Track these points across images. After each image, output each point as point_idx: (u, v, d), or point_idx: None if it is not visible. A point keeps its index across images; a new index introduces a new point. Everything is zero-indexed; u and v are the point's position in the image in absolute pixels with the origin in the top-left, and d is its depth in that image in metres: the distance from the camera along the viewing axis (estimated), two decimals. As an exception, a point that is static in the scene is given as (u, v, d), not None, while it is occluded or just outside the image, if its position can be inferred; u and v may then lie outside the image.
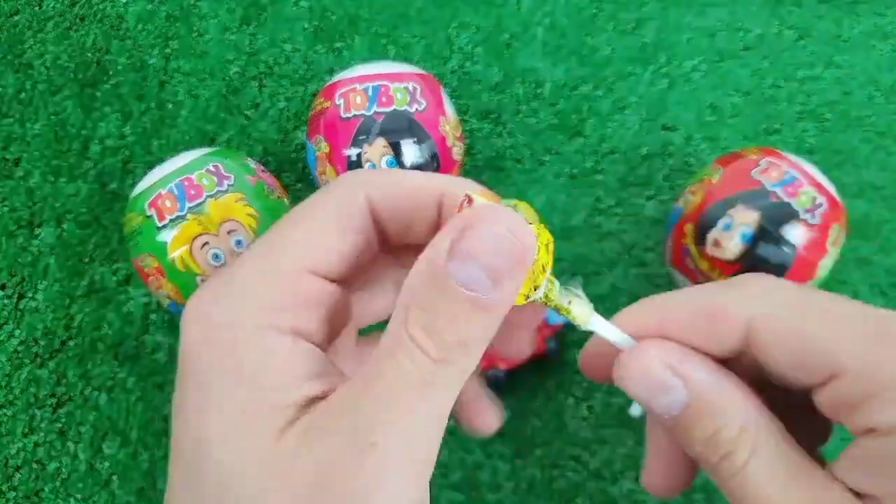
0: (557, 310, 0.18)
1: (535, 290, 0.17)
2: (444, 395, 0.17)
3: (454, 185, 0.19)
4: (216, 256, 0.33)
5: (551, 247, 0.17)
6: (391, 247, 0.20)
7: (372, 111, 0.35)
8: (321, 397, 0.17)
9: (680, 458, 0.19)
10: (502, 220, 0.16)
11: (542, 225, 0.17)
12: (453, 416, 0.24)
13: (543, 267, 0.17)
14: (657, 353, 0.18)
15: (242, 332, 0.17)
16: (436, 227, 0.19)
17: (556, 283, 0.18)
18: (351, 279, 0.20)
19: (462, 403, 0.23)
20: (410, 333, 0.16)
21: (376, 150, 0.35)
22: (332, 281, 0.19)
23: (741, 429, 0.17)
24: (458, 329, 0.16)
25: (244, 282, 0.18)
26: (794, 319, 0.17)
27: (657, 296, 0.19)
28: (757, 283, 0.18)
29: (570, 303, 0.18)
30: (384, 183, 0.19)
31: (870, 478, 0.16)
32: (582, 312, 0.18)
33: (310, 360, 0.18)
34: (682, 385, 0.17)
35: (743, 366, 0.18)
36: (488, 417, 0.23)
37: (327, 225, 0.18)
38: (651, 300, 0.19)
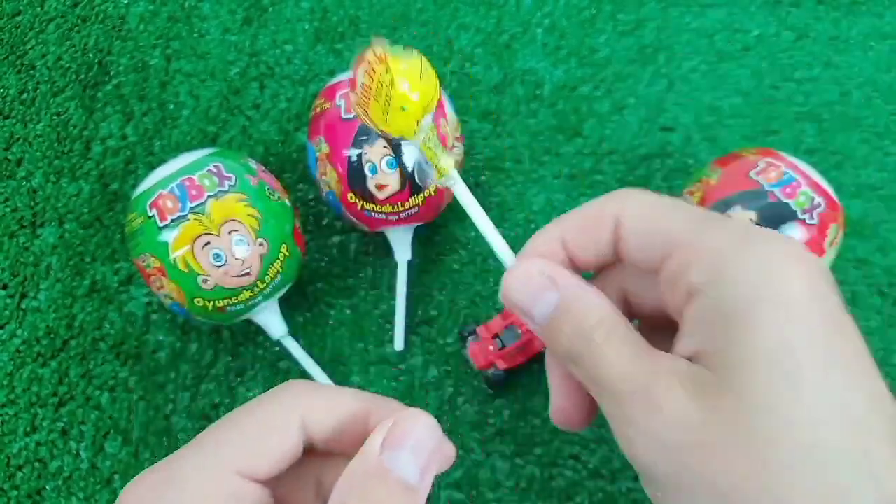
0: (427, 157, 0.22)
1: (418, 125, 0.21)
2: None
3: (379, 406, 0.22)
4: (217, 256, 0.33)
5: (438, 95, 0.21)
6: (316, 452, 0.22)
7: (372, 112, 0.35)
8: None
9: (579, 394, 0.23)
10: (421, 416, 0.20)
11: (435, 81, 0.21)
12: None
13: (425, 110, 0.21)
14: (535, 264, 0.21)
15: None
16: (361, 439, 0.21)
17: (435, 131, 0.22)
18: (276, 482, 0.22)
19: None
20: None
21: (376, 150, 0.35)
22: (259, 482, 0.21)
23: (599, 318, 0.20)
24: None
25: (183, 478, 0.20)
26: (647, 212, 0.21)
27: (563, 215, 0.23)
28: (633, 193, 0.22)
29: (440, 153, 0.22)
30: (321, 403, 0.22)
31: (693, 338, 0.19)
32: (446, 164, 0.22)
33: None
34: (554, 289, 0.21)
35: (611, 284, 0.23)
36: None
37: (261, 434, 0.21)
38: (556, 219, 0.23)
